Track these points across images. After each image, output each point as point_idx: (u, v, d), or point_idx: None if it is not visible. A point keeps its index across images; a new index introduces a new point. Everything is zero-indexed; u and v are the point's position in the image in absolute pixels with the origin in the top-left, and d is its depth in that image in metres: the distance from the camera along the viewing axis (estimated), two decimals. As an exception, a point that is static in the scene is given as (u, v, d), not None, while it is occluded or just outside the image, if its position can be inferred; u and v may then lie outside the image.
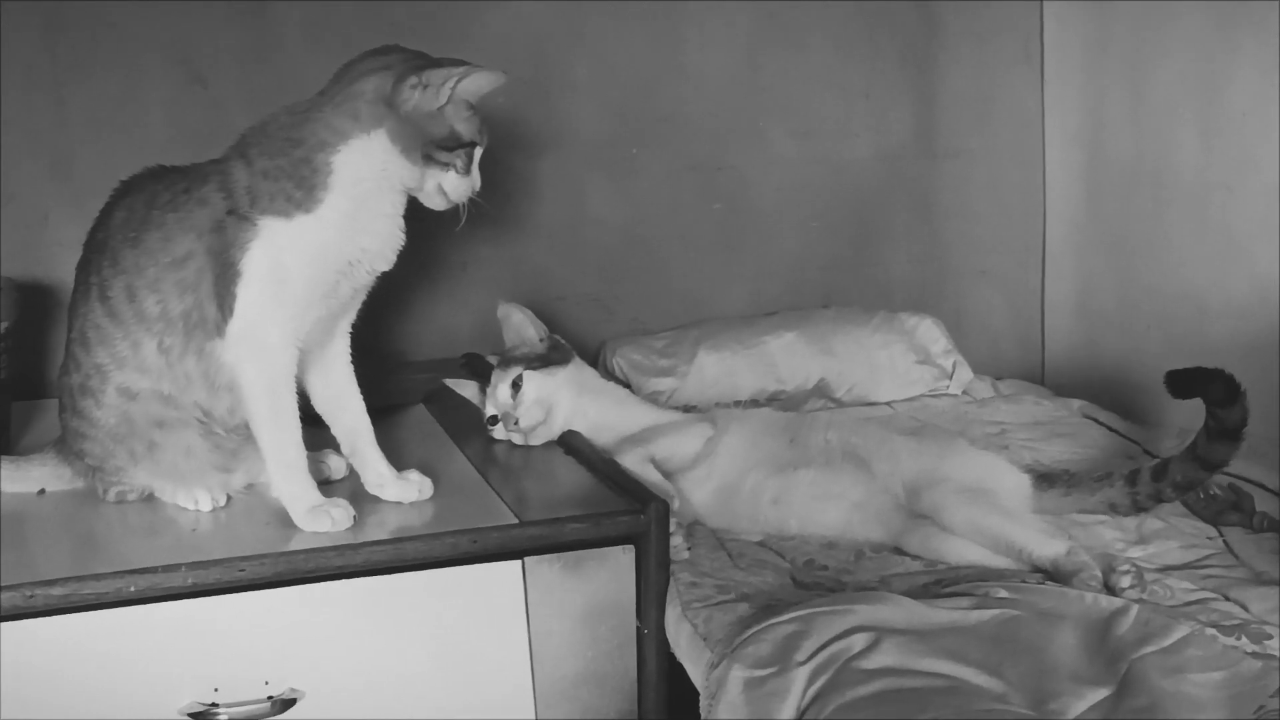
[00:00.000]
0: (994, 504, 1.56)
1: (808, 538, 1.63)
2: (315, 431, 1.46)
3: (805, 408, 2.14)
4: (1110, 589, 1.40)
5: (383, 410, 1.55)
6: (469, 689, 1.42)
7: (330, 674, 1.36)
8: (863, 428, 1.78)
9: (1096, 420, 2.10)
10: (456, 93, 1.37)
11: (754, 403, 2.16)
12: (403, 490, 1.49)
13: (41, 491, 1.53)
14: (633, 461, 1.67)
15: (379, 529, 1.41)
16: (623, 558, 1.45)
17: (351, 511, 1.41)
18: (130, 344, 1.40)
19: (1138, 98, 2.29)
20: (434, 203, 1.43)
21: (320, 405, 1.50)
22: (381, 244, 1.41)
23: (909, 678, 1.20)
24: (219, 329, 1.37)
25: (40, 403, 1.82)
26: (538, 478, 1.65)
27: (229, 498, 1.48)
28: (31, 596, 1.23)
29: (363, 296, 1.48)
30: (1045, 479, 1.67)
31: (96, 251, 1.43)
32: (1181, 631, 1.27)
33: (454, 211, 1.44)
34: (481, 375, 1.84)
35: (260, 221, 1.35)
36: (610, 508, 1.48)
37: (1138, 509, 1.64)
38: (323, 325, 1.44)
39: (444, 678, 1.41)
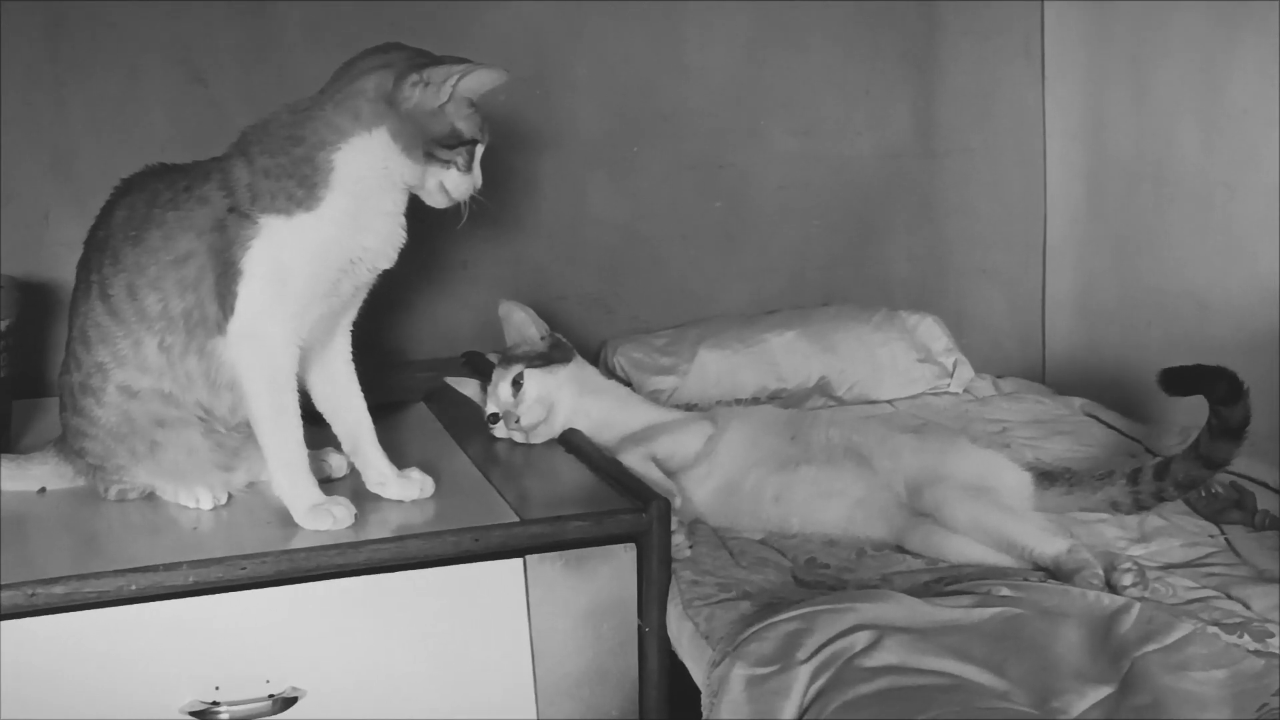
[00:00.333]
0: (996, 502, 1.56)
1: (809, 536, 1.63)
2: (316, 429, 1.46)
3: (806, 406, 2.14)
4: (1112, 587, 1.40)
5: (384, 408, 1.55)
6: (470, 687, 1.42)
7: (331, 672, 1.36)
8: (864, 425, 1.78)
9: (1098, 418, 2.10)
10: (458, 90, 1.36)
11: (755, 401, 2.16)
12: (404, 488, 1.49)
13: (42, 490, 1.53)
14: (634, 460, 1.67)
15: (380, 527, 1.41)
16: (624, 556, 1.45)
17: (353, 510, 1.41)
18: (131, 342, 1.40)
19: (1138, 96, 2.29)
20: (435, 201, 1.43)
21: (321, 403, 1.50)
22: (383, 242, 1.41)
23: (911, 676, 1.20)
24: (220, 327, 1.37)
25: (41, 401, 1.82)
26: (539, 476, 1.65)
27: (230, 496, 1.48)
28: (33, 595, 1.23)
29: (364, 294, 1.47)
30: (1047, 477, 1.67)
31: (97, 250, 1.43)
32: (1184, 629, 1.27)
33: (455, 210, 1.44)
34: (483, 373, 1.84)
35: (261, 219, 1.35)
36: (612, 506, 1.48)
37: (1139, 507, 1.64)
38: (324, 323, 1.44)
39: (445, 676, 1.41)
